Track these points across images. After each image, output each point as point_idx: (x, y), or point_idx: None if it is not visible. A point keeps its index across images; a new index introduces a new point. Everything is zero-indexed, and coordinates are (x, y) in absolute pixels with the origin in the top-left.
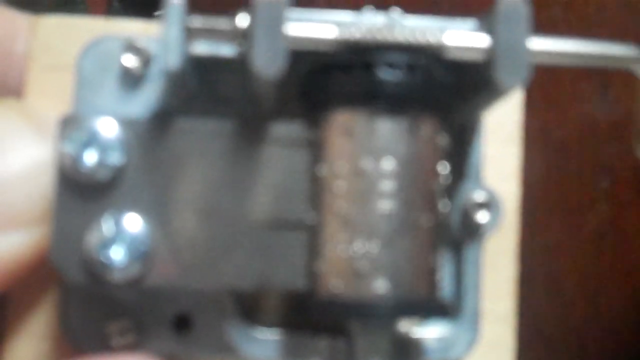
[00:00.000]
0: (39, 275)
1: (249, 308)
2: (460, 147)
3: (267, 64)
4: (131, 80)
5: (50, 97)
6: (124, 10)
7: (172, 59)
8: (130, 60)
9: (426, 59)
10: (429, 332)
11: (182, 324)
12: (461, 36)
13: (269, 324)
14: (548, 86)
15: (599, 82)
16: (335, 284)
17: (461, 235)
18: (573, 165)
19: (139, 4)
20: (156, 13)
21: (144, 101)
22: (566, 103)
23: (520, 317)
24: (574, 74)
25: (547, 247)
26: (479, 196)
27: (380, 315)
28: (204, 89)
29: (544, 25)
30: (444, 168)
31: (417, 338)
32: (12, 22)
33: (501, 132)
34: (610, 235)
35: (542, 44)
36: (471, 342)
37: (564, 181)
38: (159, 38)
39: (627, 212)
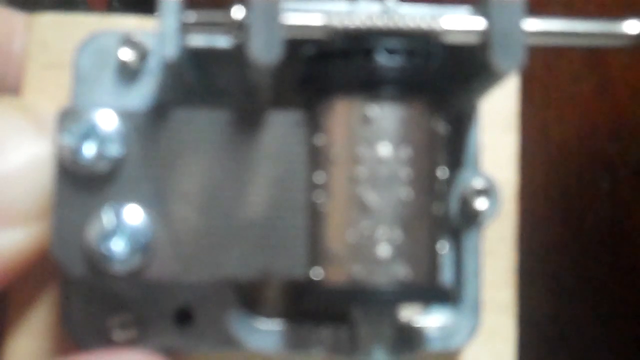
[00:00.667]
0: (39, 272)
1: (250, 299)
2: (458, 135)
3: (264, 53)
4: (128, 74)
5: (47, 94)
6: (123, 9)
7: (169, 50)
8: (127, 54)
9: (423, 44)
10: (430, 320)
11: (183, 317)
12: (456, 20)
13: (271, 315)
14: (548, 86)
15: (599, 82)
16: (344, 270)
17: (460, 223)
18: (573, 165)
19: (138, 3)
20: (156, 13)
21: (141, 95)
22: (566, 103)
23: (519, 316)
24: (573, 73)
25: (547, 246)
26: (477, 183)
27: (385, 301)
28: (201, 83)
29: None
30: (445, 157)
31: (418, 327)
32: (8, 21)
33: (497, 120)
34: (610, 235)
35: (538, 25)
36: (472, 331)
37: (564, 181)
38: (156, 31)
39: (627, 211)
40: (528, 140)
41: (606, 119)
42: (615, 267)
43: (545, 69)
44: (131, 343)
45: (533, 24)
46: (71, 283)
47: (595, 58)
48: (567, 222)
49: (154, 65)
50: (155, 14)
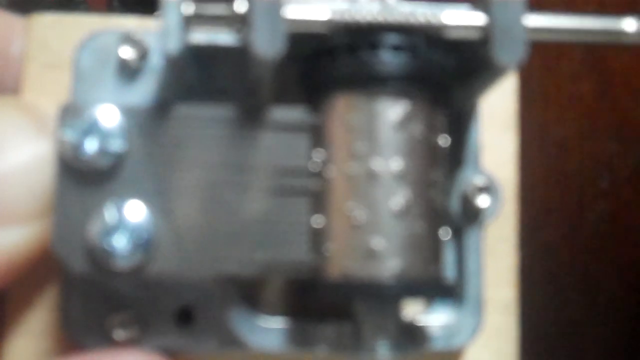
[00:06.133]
0: (39, 272)
1: (252, 297)
2: (458, 133)
3: (267, 47)
4: (128, 72)
5: (47, 94)
6: (123, 10)
7: (171, 44)
8: (127, 53)
9: (424, 40)
10: (433, 319)
11: (184, 316)
12: (457, 15)
13: (273, 313)
14: (548, 86)
15: (599, 82)
16: (348, 264)
17: (462, 221)
18: (573, 164)
19: (138, 3)
20: (156, 13)
21: (141, 94)
22: (566, 102)
23: (520, 316)
24: (573, 73)
25: (547, 245)
26: (478, 180)
27: (388, 295)
28: (202, 82)
29: None
30: (445, 153)
31: (422, 325)
32: (7, 23)
33: (497, 120)
34: (610, 234)
35: (539, 21)
36: (475, 329)
37: (563, 180)
38: (157, 30)
39: (626, 211)
40: (528, 140)
41: (606, 119)
42: (615, 266)
43: (545, 69)
44: (132, 342)
45: (534, 20)
46: (71, 282)
47: (595, 58)
48: (567, 222)
49: (154, 64)
50: (156, 13)
